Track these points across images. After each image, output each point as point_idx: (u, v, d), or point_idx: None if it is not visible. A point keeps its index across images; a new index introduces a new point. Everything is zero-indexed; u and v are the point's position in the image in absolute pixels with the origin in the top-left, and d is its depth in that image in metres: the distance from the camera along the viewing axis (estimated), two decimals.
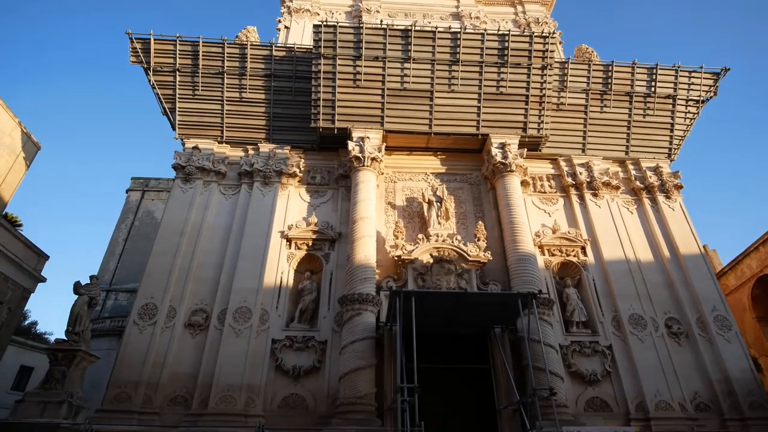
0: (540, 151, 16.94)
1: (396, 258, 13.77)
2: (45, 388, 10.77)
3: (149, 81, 16.55)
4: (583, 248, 15.13)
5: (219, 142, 16.75)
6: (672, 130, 17.57)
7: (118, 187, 70.58)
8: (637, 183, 16.86)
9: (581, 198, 16.31)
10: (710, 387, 12.81)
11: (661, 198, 16.49)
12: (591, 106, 17.22)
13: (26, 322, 39.95)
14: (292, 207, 15.67)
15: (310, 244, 14.80)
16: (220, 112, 16.76)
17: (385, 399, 11.75)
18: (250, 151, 16.66)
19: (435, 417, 11.25)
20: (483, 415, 12.19)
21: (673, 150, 17.61)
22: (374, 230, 14.22)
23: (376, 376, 11.85)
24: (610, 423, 11.84)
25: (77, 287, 12.29)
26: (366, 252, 13.53)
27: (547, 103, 16.32)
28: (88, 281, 12.62)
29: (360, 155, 15.30)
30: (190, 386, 12.14)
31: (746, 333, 19.26)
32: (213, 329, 12.98)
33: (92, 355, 11.92)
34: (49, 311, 79.57)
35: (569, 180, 16.59)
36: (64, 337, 11.63)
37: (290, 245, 14.77)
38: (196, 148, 16.38)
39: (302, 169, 16.42)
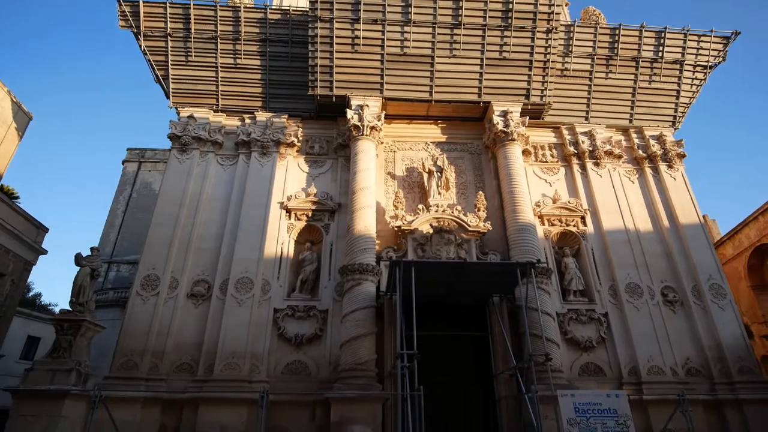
0: (542, 119, 16.60)
1: (396, 228, 13.77)
2: (53, 357, 10.97)
3: (140, 47, 15.94)
4: (583, 218, 15.11)
5: (214, 111, 16.35)
6: (678, 97, 17.17)
7: (113, 158, 69.90)
8: (640, 152, 16.63)
9: (583, 167, 16.13)
10: (702, 353, 13.13)
11: (663, 167, 16.32)
12: (596, 71, 16.74)
13: (30, 294, 40.53)
14: (291, 177, 15.51)
15: (310, 214, 14.75)
16: (214, 79, 16.27)
17: (386, 365, 12.05)
18: (247, 120, 16.29)
19: (435, 384, 11.61)
20: (482, 381, 12.57)
21: (677, 118, 17.28)
22: (374, 201, 14.13)
23: (377, 344, 12.11)
24: (603, 387, 12.17)
25: (78, 259, 12.30)
26: (366, 222, 13.50)
27: (551, 68, 15.83)
28: (89, 253, 12.63)
29: (359, 124, 14.98)
30: (194, 354, 12.43)
31: (740, 301, 19.60)
32: (215, 299, 13.15)
33: (97, 325, 12.08)
34: (53, 283, 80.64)
35: (571, 149, 16.34)
36: (69, 308, 11.76)
37: (290, 216, 14.72)
38: (191, 117, 16.00)
39: (300, 138, 16.13)
